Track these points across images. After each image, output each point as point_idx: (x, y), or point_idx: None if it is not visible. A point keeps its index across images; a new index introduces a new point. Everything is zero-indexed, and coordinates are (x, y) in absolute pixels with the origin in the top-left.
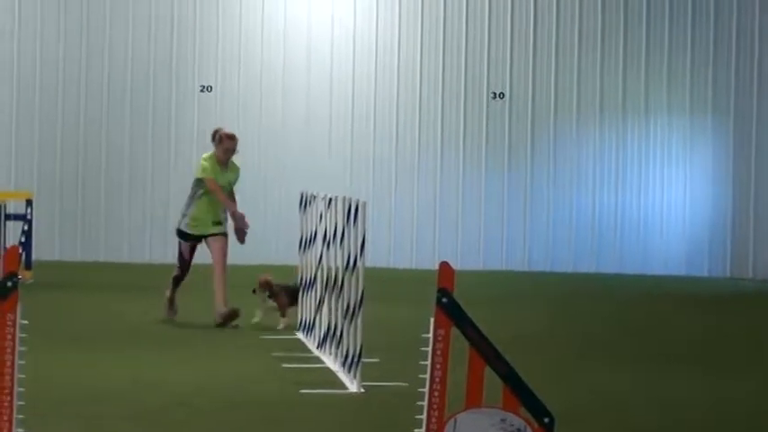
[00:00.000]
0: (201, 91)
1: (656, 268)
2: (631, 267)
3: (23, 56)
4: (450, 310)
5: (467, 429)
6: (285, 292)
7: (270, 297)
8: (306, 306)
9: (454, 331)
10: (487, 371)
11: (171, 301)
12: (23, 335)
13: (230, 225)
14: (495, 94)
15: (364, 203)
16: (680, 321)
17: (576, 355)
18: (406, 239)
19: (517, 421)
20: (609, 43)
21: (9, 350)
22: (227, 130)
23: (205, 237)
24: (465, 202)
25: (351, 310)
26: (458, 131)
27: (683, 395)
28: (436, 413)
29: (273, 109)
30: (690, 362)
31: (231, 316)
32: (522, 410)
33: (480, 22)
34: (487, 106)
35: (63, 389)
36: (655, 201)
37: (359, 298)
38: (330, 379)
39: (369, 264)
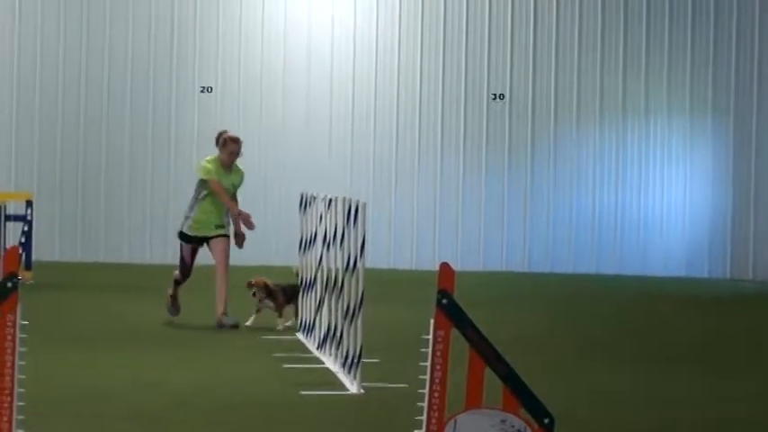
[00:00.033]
0: (202, 92)
1: (656, 269)
2: (631, 268)
3: (23, 56)
4: (451, 310)
5: (467, 430)
6: (283, 292)
7: (268, 297)
8: (306, 307)
9: (454, 332)
10: (487, 372)
11: (173, 297)
12: (23, 335)
13: (231, 229)
14: (495, 95)
15: (364, 204)
16: (680, 322)
17: (576, 355)
18: (406, 240)
19: (517, 422)
20: (609, 43)
21: (9, 351)
22: (232, 133)
23: (207, 239)
24: (465, 203)
25: (351, 310)
26: (458, 132)
27: (683, 395)
28: (436, 414)
29: (273, 109)
30: (690, 362)
31: (230, 328)
32: (522, 411)
33: (480, 22)
34: (487, 107)
35: (63, 389)
36: (655, 201)
37: (359, 299)
38: (330, 380)
39: (369, 265)
